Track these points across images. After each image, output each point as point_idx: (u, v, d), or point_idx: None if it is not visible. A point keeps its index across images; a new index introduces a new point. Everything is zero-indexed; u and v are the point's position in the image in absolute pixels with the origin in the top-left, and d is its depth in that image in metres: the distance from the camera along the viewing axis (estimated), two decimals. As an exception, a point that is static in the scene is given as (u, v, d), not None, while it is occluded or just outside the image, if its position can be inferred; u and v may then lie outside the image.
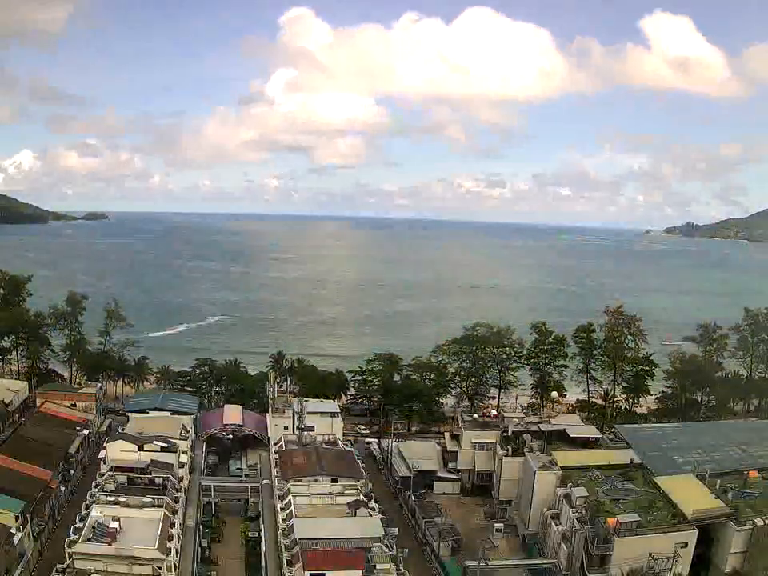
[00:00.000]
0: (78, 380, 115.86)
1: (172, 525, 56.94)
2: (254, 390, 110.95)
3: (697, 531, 56.13)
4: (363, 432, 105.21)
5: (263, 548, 59.06)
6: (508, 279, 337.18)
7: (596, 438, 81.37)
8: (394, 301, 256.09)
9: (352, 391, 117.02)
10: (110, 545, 51.02)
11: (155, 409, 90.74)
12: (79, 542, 51.34)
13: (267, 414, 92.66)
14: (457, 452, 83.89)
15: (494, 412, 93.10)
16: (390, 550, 54.78)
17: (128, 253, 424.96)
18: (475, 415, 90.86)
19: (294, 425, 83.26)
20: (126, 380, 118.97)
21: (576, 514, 59.20)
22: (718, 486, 61.58)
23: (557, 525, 61.81)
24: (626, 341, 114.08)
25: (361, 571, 50.95)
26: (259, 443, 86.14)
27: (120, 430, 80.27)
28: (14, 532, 54.87)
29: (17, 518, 56.18)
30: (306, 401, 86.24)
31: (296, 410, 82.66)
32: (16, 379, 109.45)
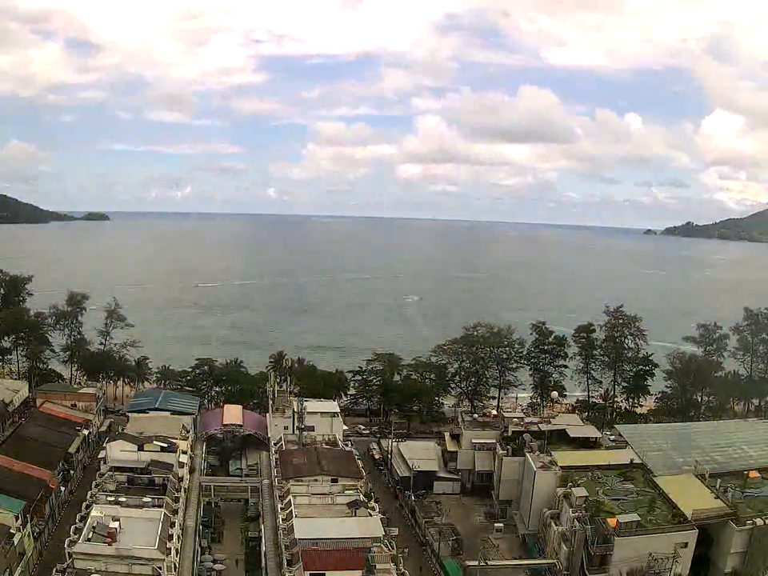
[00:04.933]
0: (78, 380, 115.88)
1: (172, 525, 56.92)
2: (253, 390, 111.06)
3: (697, 531, 56.12)
4: (363, 432, 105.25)
5: (263, 548, 59.03)
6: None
7: (596, 437, 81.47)
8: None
9: (352, 391, 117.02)
10: (110, 545, 51.03)
11: (155, 409, 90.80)
12: (79, 541, 51.35)
13: (267, 414, 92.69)
14: (457, 452, 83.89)
15: (494, 412, 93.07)
16: (390, 550, 54.77)
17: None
18: (475, 415, 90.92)
19: (294, 425, 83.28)
20: (125, 380, 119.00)
21: (576, 513, 59.19)
22: (718, 486, 61.61)
23: (557, 525, 61.78)
24: (626, 341, 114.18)
25: (361, 571, 50.96)
26: (259, 443, 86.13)
27: (120, 430, 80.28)
28: (14, 532, 54.91)
29: (17, 518, 56.20)
30: (306, 401, 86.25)
31: (296, 410, 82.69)
32: (16, 379, 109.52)
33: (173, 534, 55.48)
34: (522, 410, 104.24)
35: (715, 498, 59.71)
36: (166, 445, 71.41)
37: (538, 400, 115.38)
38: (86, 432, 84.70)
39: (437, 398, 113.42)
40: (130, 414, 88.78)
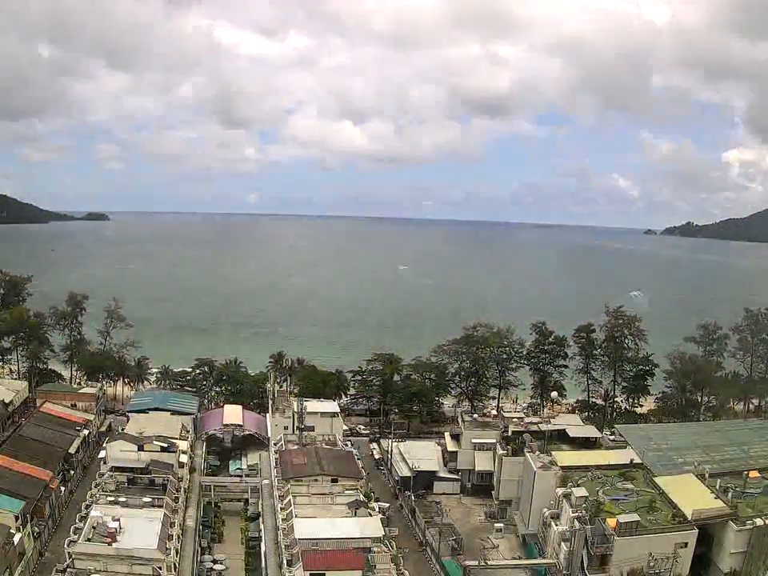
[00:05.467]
0: (78, 380, 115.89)
1: (172, 525, 56.98)
2: (254, 389, 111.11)
3: (697, 531, 56.10)
4: (363, 432, 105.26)
5: (263, 548, 59.08)
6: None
7: (596, 437, 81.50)
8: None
9: (352, 391, 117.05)
10: (110, 545, 51.05)
11: (155, 409, 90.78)
12: (79, 541, 51.36)
13: (267, 414, 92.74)
14: (457, 452, 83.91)
15: (494, 412, 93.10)
16: (389, 550, 54.79)
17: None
18: (475, 415, 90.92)
19: (294, 425, 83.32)
20: (125, 380, 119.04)
21: (576, 513, 59.17)
22: (717, 486, 61.60)
23: (557, 525, 61.77)
24: (626, 341, 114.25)
25: (361, 571, 51.01)
26: (259, 443, 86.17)
27: (120, 430, 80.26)
28: (14, 532, 54.91)
29: (17, 518, 56.22)
30: (306, 401, 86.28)
31: (296, 410, 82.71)
32: (16, 379, 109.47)
33: (173, 534, 55.53)
34: (523, 410, 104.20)
35: (715, 498, 59.66)
36: (166, 445, 71.38)
37: (538, 400, 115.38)
38: (86, 432, 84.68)
39: (437, 398, 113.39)
40: (130, 414, 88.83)
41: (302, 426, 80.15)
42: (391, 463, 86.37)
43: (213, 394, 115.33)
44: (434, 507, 75.91)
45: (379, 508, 64.19)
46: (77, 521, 56.26)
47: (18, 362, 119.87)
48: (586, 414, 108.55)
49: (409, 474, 79.92)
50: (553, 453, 71.43)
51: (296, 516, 58.69)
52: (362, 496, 64.51)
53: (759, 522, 56.17)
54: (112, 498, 59.15)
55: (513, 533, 70.73)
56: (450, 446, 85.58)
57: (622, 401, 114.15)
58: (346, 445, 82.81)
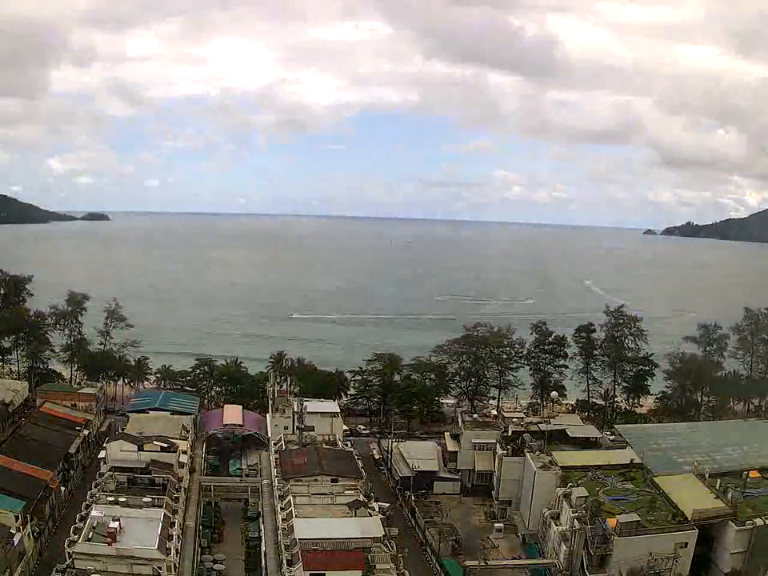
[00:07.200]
0: (78, 380, 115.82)
1: (172, 525, 56.95)
2: (254, 390, 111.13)
3: (697, 531, 56.15)
4: (363, 432, 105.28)
5: (263, 548, 59.06)
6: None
7: (596, 437, 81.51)
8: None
9: (352, 391, 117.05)
10: (110, 545, 51.03)
11: (155, 409, 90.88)
12: (79, 541, 51.35)
13: (267, 414, 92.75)
14: (457, 452, 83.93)
15: (494, 412, 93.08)
16: (389, 550, 54.79)
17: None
18: (475, 415, 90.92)
19: (294, 425, 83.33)
20: (125, 380, 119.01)
21: (576, 513, 59.19)
22: (718, 486, 61.64)
23: (557, 525, 61.79)
24: (626, 341, 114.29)
25: (361, 571, 51.02)
26: (259, 443, 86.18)
27: (120, 430, 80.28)
28: (14, 532, 54.92)
29: (17, 518, 56.23)
30: (306, 401, 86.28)
31: (296, 410, 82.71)
32: (16, 379, 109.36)
33: (173, 534, 55.47)
34: (523, 410, 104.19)
35: (715, 498, 59.73)
36: (166, 445, 71.34)
37: (538, 400, 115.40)
38: (86, 432, 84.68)
39: (437, 398, 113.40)
40: (130, 414, 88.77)
41: (302, 426, 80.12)
42: (391, 463, 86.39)
43: (213, 393, 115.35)
44: (434, 507, 75.96)
45: (379, 508, 64.10)
46: (77, 521, 56.18)
47: (18, 362, 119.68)
48: (586, 413, 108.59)
49: (409, 474, 79.93)
50: (553, 453, 71.49)
51: (296, 516, 58.65)
52: (362, 496, 64.47)
53: (759, 521, 56.26)
54: (112, 498, 59.01)
55: (513, 533, 70.77)
56: (450, 446, 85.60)
57: (622, 401, 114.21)
58: (346, 445, 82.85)
